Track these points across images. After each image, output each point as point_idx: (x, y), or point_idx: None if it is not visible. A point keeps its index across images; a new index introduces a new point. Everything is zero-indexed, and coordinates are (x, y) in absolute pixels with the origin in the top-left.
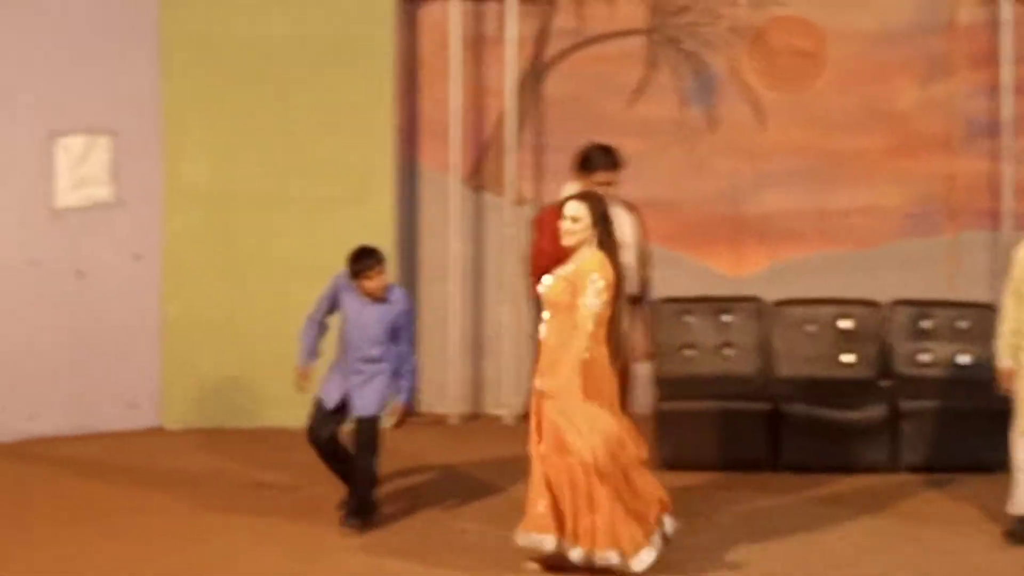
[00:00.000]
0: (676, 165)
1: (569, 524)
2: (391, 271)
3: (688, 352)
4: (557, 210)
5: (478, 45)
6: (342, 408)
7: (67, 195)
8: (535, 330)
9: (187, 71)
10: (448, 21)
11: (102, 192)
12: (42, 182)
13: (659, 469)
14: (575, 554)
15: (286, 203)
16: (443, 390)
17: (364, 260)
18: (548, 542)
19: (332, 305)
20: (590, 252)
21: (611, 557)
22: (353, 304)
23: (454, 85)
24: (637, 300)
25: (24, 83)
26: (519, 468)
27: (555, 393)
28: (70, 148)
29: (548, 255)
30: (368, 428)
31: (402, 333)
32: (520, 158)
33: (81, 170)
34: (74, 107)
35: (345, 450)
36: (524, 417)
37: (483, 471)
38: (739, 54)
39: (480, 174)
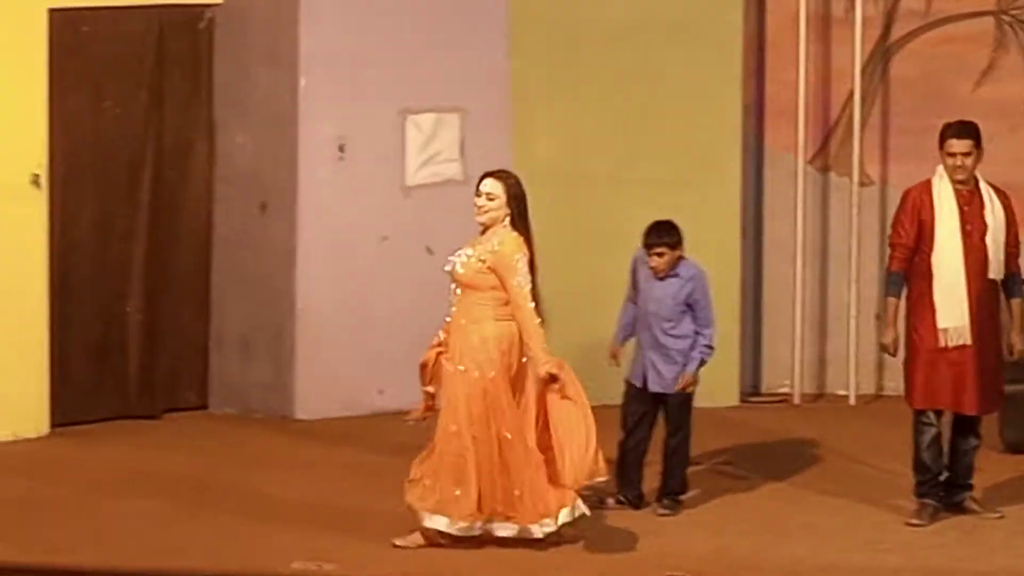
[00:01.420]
0: None
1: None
2: (736, 252)
3: None
4: (922, 189)
5: (825, 25)
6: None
7: (417, 172)
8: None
9: (535, 51)
10: (796, 1)
11: (451, 169)
12: (393, 159)
13: (1002, 451)
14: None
15: (632, 183)
16: (787, 370)
17: (652, 234)
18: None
19: (636, 282)
20: (504, 232)
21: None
22: (646, 279)
23: (801, 66)
24: (1008, 287)
25: (376, 61)
26: (863, 446)
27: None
28: (420, 125)
29: (907, 234)
30: (675, 407)
31: (697, 308)
32: (866, 139)
33: (431, 147)
34: (424, 85)
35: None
36: (867, 397)
37: (825, 450)
38: None
39: (826, 155)
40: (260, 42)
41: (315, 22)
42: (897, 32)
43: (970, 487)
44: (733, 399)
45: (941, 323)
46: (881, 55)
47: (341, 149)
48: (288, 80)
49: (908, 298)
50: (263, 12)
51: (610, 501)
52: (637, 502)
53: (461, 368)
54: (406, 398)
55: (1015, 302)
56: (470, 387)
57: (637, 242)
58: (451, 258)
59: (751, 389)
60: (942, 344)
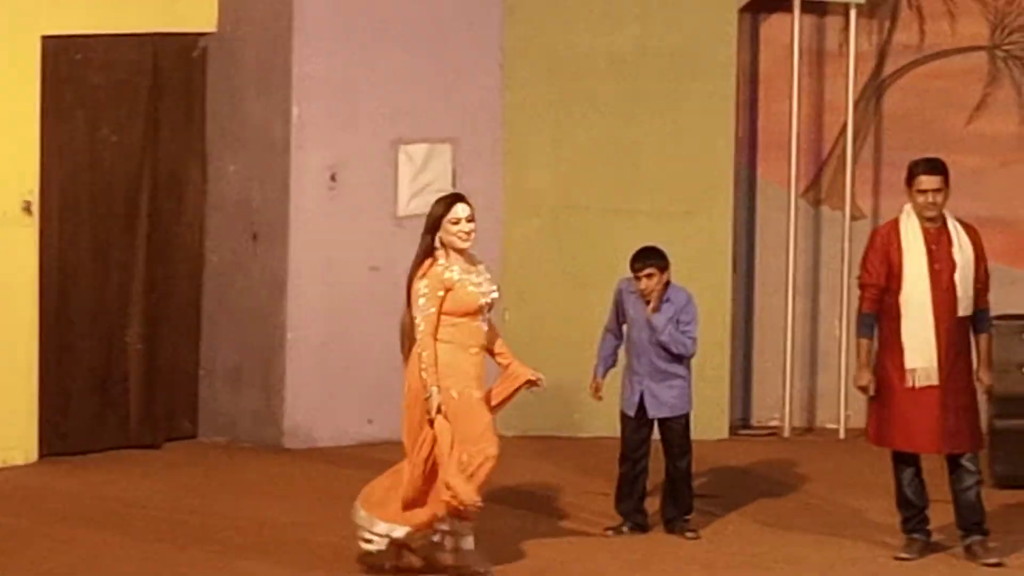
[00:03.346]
0: (1016, 182)
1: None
2: (727, 284)
3: None
4: (890, 228)
5: (819, 59)
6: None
7: (409, 203)
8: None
9: (530, 82)
10: (790, 35)
11: None
12: (385, 190)
13: (992, 486)
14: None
15: (626, 214)
16: (777, 403)
17: (640, 259)
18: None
19: (620, 312)
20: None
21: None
22: (636, 306)
23: (794, 99)
24: (976, 323)
25: (368, 91)
26: (852, 480)
27: None
28: (412, 156)
29: (876, 273)
30: (673, 430)
31: (685, 328)
32: (858, 173)
33: (422, 178)
34: (417, 115)
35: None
36: (857, 431)
37: (813, 484)
38: None
39: (818, 188)
40: (253, 70)
41: (308, 51)
42: (890, 66)
43: (981, 530)
44: (723, 432)
45: (909, 363)
46: (874, 89)
47: (333, 178)
48: (281, 109)
49: (879, 338)
50: (256, 40)
51: (625, 528)
52: (644, 526)
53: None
54: (395, 427)
55: (982, 338)
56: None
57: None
58: (485, 288)
59: (740, 422)
60: (909, 384)
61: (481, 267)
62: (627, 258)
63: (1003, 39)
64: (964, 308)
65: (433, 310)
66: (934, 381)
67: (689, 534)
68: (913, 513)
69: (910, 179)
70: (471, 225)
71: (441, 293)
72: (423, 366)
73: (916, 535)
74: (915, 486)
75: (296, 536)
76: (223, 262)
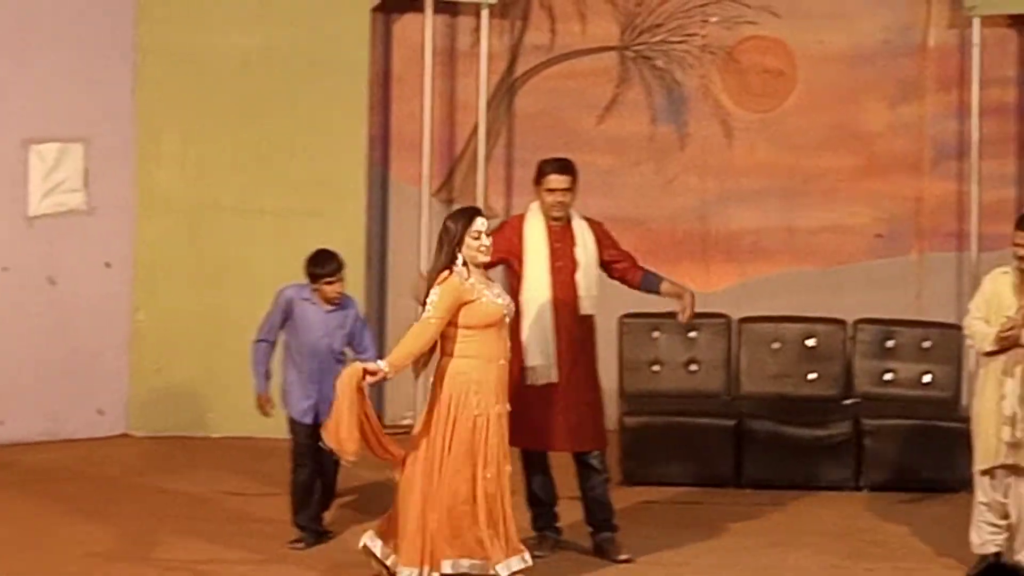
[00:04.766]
0: (646, 182)
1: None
2: (360, 283)
3: (655, 368)
4: (514, 224)
5: (451, 59)
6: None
7: (40, 202)
8: None
9: (163, 81)
10: (422, 35)
11: (74, 200)
12: (15, 189)
13: (621, 483)
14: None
15: (258, 214)
16: (411, 401)
17: (329, 264)
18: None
19: (284, 322)
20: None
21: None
22: (315, 313)
23: (426, 98)
24: (648, 282)
25: None
26: None
27: None
28: (43, 155)
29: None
30: None
31: (365, 336)
32: (491, 172)
33: (54, 177)
34: (48, 115)
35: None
36: None
37: None
38: (710, 73)
39: (451, 187)
40: None
41: None
42: (522, 66)
43: (610, 527)
44: None
45: (528, 361)
46: (506, 89)
47: None
48: None
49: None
50: None
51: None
52: (322, 534)
53: (508, 408)
54: (31, 429)
55: (664, 287)
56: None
57: (264, 272)
58: (503, 301)
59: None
60: (528, 382)
61: (494, 281)
62: (261, 257)
63: (633, 40)
64: (587, 306)
65: (435, 320)
66: (553, 379)
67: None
68: (543, 510)
69: (539, 178)
70: (490, 240)
71: (450, 305)
72: (411, 356)
73: (546, 532)
74: (543, 484)
75: None
76: None
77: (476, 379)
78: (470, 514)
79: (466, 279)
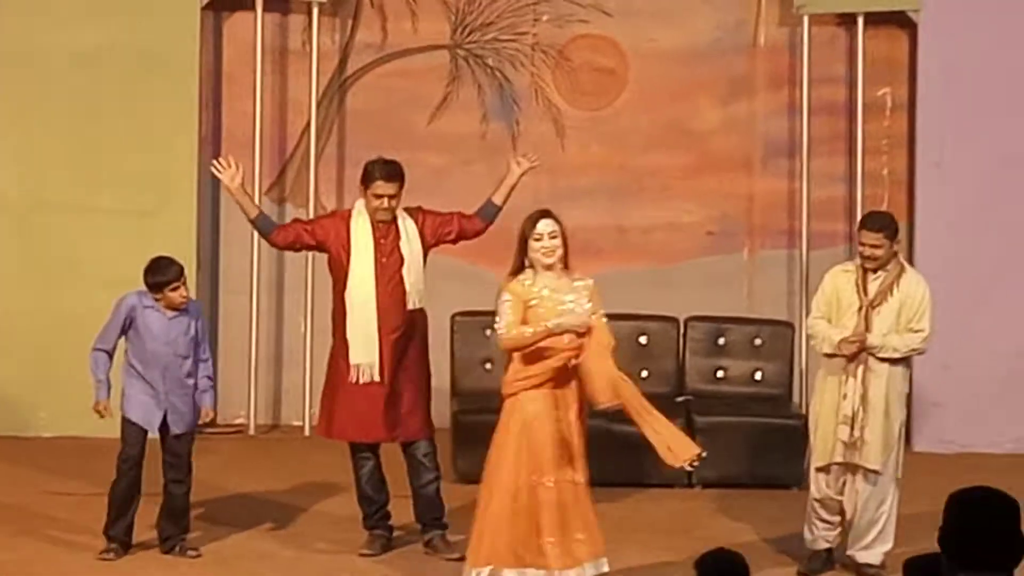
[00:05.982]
0: (478, 180)
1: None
2: (192, 283)
3: (487, 366)
4: (344, 219)
5: (282, 57)
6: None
7: None
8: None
9: None
10: (253, 33)
11: None
12: None
13: (454, 481)
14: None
15: (92, 212)
16: (243, 400)
17: (171, 270)
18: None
19: (125, 330)
20: (569, 270)
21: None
22: (159, 320)
23: (258, 97)
24: (486, 211)
25: None
26: (318, 477)
27: None
28: None
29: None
30: (189, 445)
31: (202, 343)
32: (322, 171)
33: None
34: None
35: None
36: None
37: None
38: (542, 71)
39: (282, 186)
40: None
41: None
42: (353, 65)
43: (441, 525)
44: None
45: (353, 359)
46: (337, 88)
47: None
48: None
49: (333, 334)
50: None
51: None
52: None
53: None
54: None
55: (499, 194)
56: None
57: (95, 270)
58: (574, 306)
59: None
60: (353, 379)
61: (579, 284)
62: (93, 256)
63: (464, 38)
64: (414, 301)
65: (512, 318)
66: (376, 378)
67: (191, 552)
68: (374, 509)
69: (366, 180)
70: (554, 242)
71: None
72: (525, 336)
73: (378, 531)
74: (374, 481)
75: None
76: None
77: (535, 382)
78: (529, 521)
79: (532, 282)
